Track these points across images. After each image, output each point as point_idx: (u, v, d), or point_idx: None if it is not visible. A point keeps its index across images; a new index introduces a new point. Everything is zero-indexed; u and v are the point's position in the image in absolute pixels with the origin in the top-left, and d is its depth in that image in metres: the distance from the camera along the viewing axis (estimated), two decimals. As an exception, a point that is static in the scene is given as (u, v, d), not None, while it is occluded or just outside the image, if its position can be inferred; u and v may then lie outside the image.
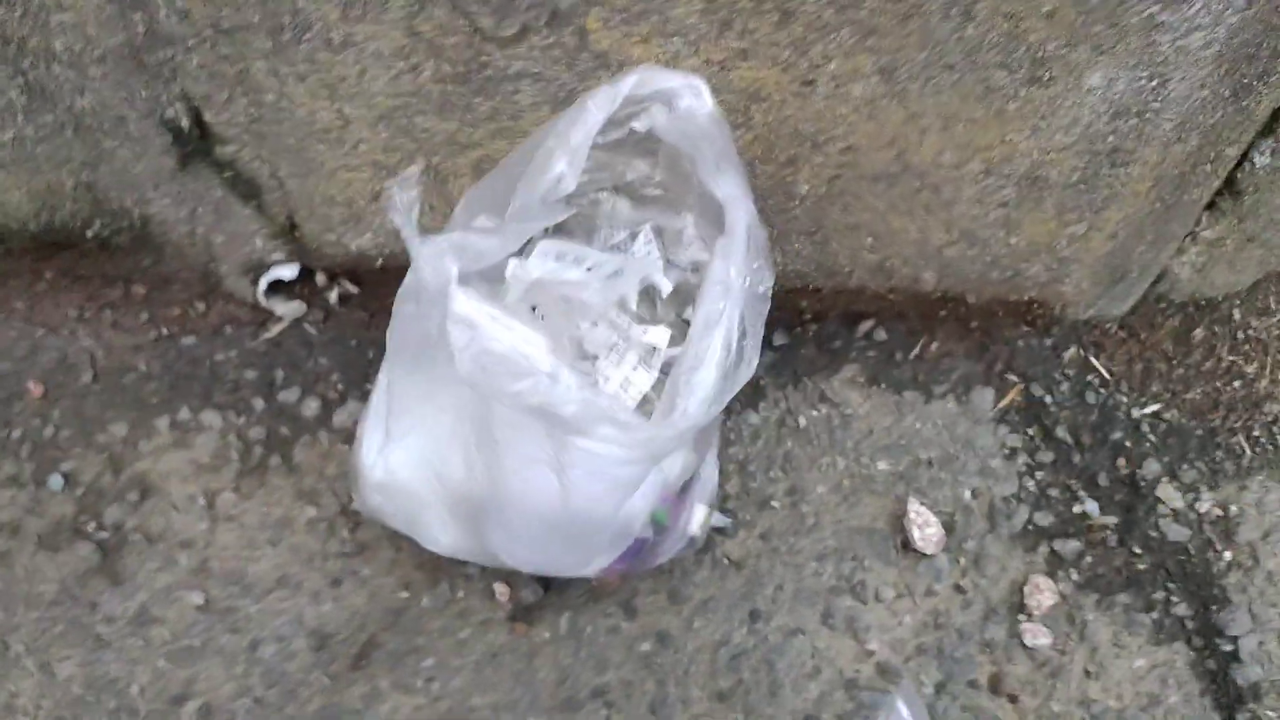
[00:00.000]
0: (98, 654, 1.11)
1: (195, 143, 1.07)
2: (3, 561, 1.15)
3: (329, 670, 1.12)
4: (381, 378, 0.96)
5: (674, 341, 1.01)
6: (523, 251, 0.89)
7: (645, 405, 1.04)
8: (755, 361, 0.77)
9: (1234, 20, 0.87)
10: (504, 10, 0.86)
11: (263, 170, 1.08)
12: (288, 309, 1.26)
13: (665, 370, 1.03)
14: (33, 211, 1.11)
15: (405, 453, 0.95)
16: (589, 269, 0.88)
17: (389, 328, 0.85)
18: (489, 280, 0.95)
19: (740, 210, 0.80)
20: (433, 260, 0.72)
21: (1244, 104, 0.99)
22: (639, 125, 0.93)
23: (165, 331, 1.27)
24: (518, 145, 0.85)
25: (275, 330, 1.27)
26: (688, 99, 0.90)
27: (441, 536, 1.04)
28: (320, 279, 1.26)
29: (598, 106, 0.84)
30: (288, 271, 1.21)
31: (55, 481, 1.19)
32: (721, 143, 0.85)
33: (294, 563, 1.17)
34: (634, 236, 0.99)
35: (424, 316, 0.73)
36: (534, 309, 0.88)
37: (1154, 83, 0.92)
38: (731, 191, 0.81)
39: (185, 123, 1.05)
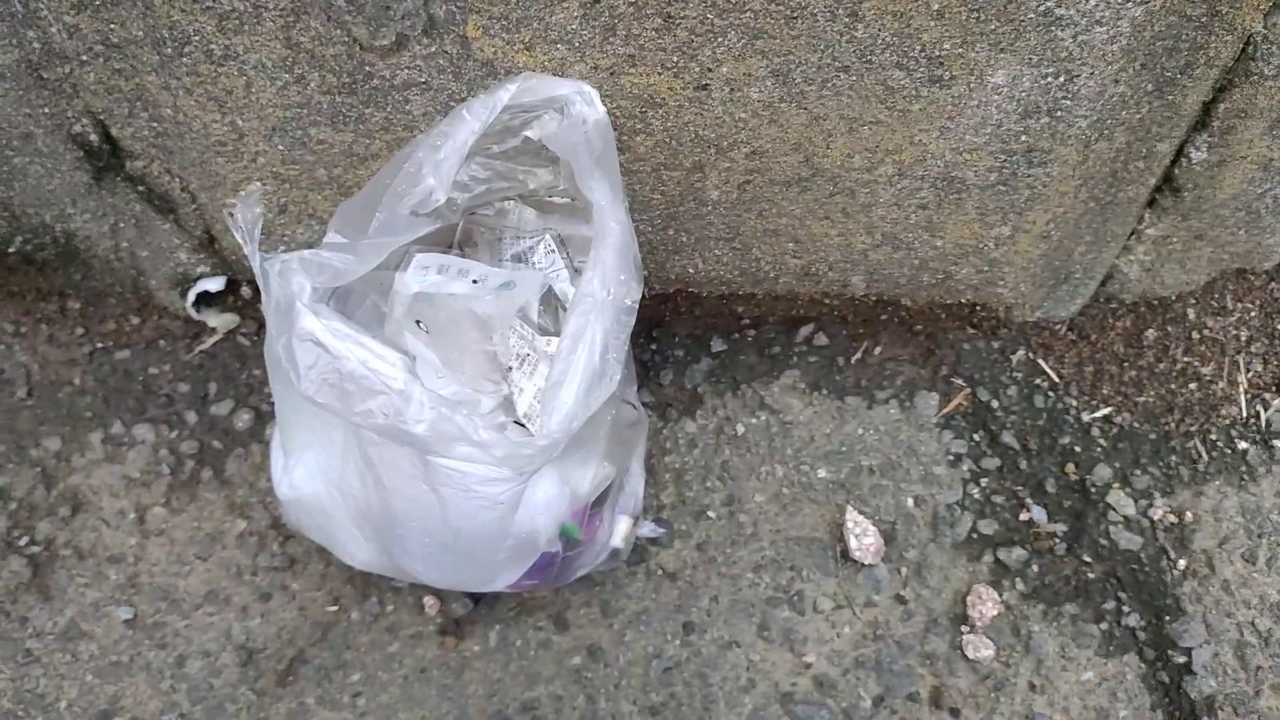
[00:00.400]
0: (27, 668, 1.12)
1: (107, 158, 1.07)
2: (-64, 577, 1.16)
3: (255, 686, 1.11)
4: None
5: (579, 353, 0.99)
6: (403, 265, 0.87)
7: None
8: (617, 376, 0.75)
9: (1138, 13, 0.83)
10: (378, 19, 0.84)
11: (174, 185, 1.07)
12: (221, 321, 1.26)
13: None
14: (-52, 231, 1.11)
15: (305, 469, 0.94)
16: (475, 281, 0.86)
17: (265, 344, 0.84)
18: (386, 295, 0.93)
19: (609, 219, 0.78)
20: (280, 279, 0.70)
21: (1169, 98, 0.94)
22: (532, 134, 0.91)
23: (100, 345, 1.27)
24: (394, 156, 0.83)
25: (209, 343, 1.27)
26: (579, 105, 0.88)
27: (357, 552, 1.02)
28: (247, 291, 1.25)
29: (473, 115, 0.82)
30: (214, 284, 1.20)
31: (-11, 497, 1.20)
32: (600, 148, 0.83)
33: (224, 577, 1.16)
34: (535, 245, 0.97)
35: (272, 331, 0.72)
36: (419, 323, 0.86)
37: (1061, 79, 0.88)
38: (603, 199, 0.79)
39: (94, 138, 1.04)
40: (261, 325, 1.28)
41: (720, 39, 0.86)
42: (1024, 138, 0.94)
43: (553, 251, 0.97)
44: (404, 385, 0.69)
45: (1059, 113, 0.91)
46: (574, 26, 0.86)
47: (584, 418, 0.73)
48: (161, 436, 1.23)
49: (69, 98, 1.00)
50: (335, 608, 1.15)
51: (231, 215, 0.68)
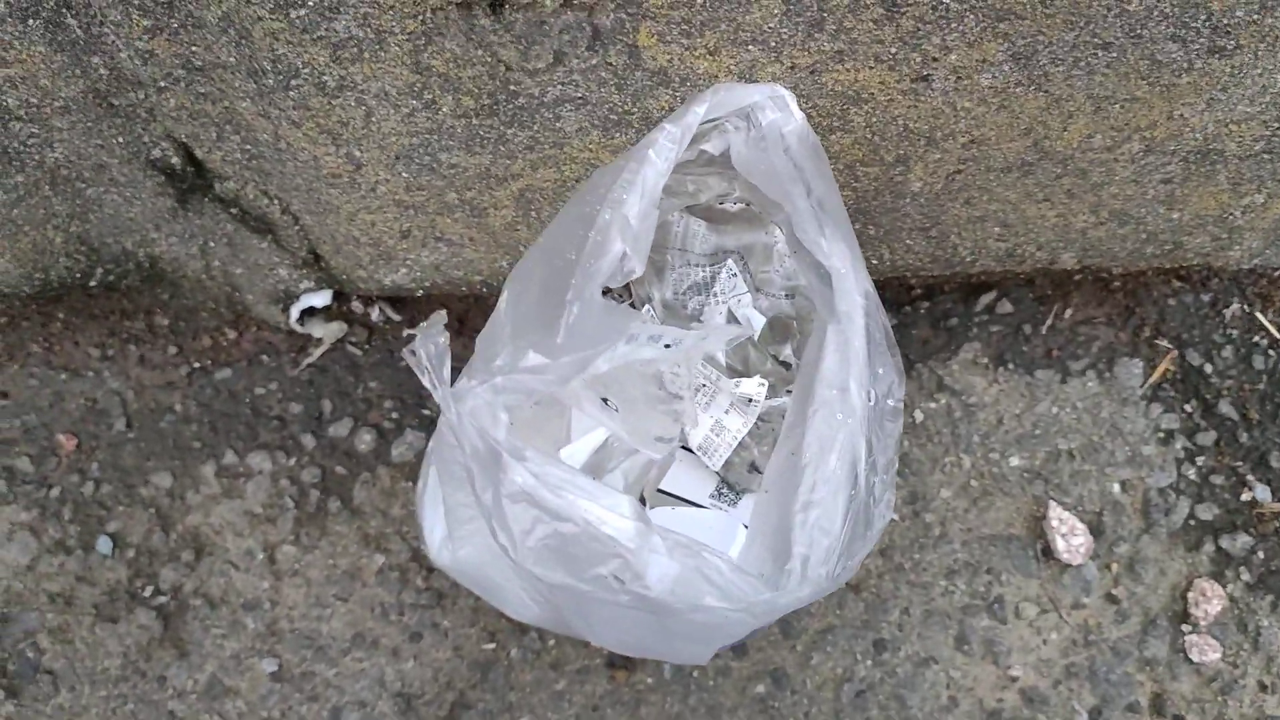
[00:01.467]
0: (173, 732, 1.04)
1: (191, 180, 0.92)
2: (61, 637, 1.07)
3: (418, 735, 1.03)
4: (430, 467, 0.82)
5: (773, 391, 0.85)
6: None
7: (742, 452, 0.89)
8: (892, 502, 0.61)
9: None
10: (531, 37, 0.68)
11: (273, 207, 0.92)
12: (327, 330, 1.12)
13: (764, 418, 0.87)
14: (23, 275, 0.97)
15: (472, 549, 0.83)
16: (667, 345, 0.72)
17: (434, 434, 0.71)
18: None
19: (853, 290, 0.63)
20: (476, 420, 0.57)
21: None
22: (711, 148, 0.75)
23: (197, 365, 1.15)
24: (565, 198, 0.68)
25: (316, 354, 1.14)
26: (770, 112, 0.71)
27: (524, 612, 0.92)
28: (358, 306, 1.12)
29: (660, 155, 0.67)
30: (319, 299, 1.06)
31: (104, 544, 1.10)
32: (817, 184, 0.67)
33: (368, 618, 1.07)
34: (716, 273, 0.82)
35: (474, 481, 0.59)
36: (606, 401, 0.73)
37: (1379, 39, 0.70)
38: (841, 262, 0.63)
39: (176, 161, 0.89)
40: (372, 331, 1.14)
41: (954, 24, 0.69)
42: (1309, 102, 0.77)
43: (734, 275, 0.82)
44: (637, 539, 0.57)
45: (1362, 74, 0.74)
46: (772, 25, 0.69)
47: (860, 557, 0.60)
48: (279, 465, 1.12)
49: (145, 123, 0.85)
50: (492, 645, 1.06)
51: (413, 353, 0.54)
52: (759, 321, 0.85)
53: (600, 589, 0.57)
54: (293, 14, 0.67)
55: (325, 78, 0.72)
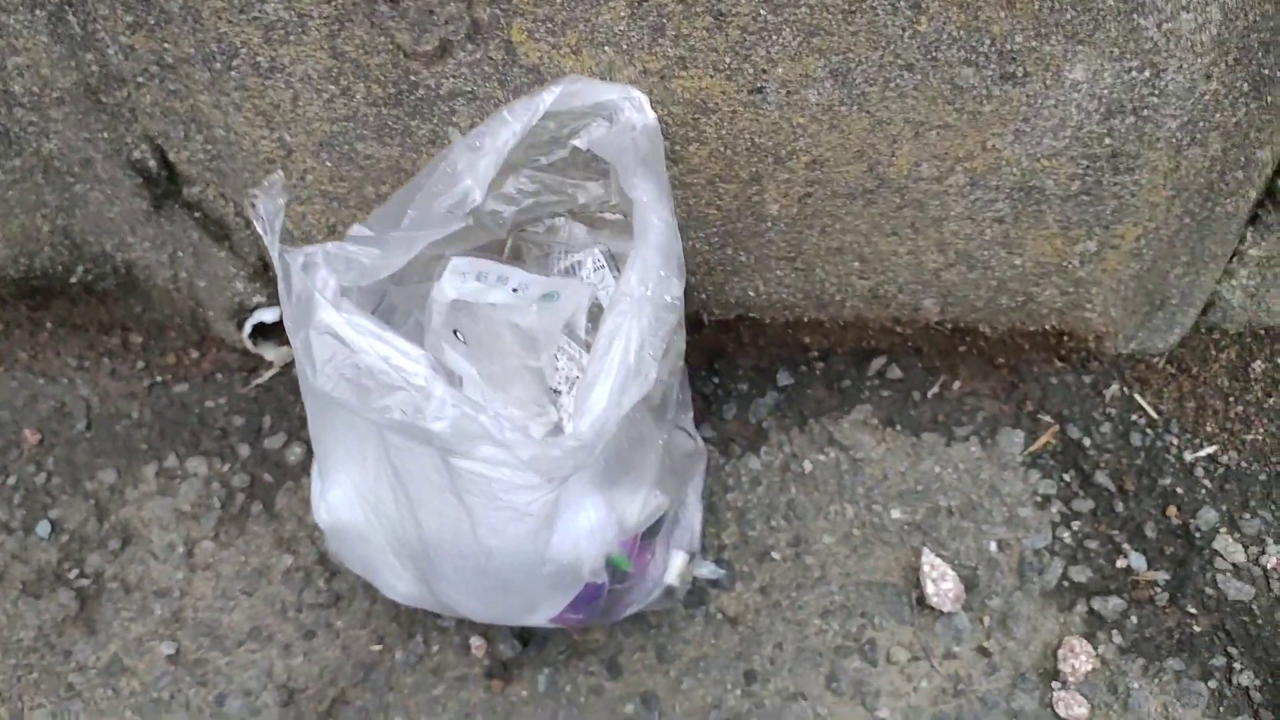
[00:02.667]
0: (68, 703, 1.09)
1: (165, 184, 1.06)
2: (-13, 608, 1.15)
3: (295, 728, 1.07)
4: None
5: (630, 373, 0.93)
6: (439, 272, 0.83)
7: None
8: (653, 374, 0.69)
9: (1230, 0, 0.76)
10: (421, 24, 0.82)
11: (228, 210, 1.06)
12: (278, 355, 1.24)
13: (625, 405, 0.95)
14: (10, 257, 1.12)
15: (340, 490, 0.90)
16: (515, 290, 0.82)
17: (296, 362, 0.81)
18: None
19: (651, 215, 0.73)
20: (302, 273, 0.67)
21: (1267, 99, 0.87)
22: (580, 143, 0.88)
23: (159, 379, 1.27)
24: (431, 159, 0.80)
25: (266, 376, 1.25)
26: (628, 111, 0.84)
27: (398, 584, 0.98)
28: (301, 321, 1.24)
29: (514, 117, 0.79)
30: (270, 315, 1.19)
31: (43, 528, 1.18)
32: (646, 149, 0.79)
33: (268, 613, 1.13)
34: (583, 260, 0.93)
35: (290, 321, 0.68)
36: (456, 333, 0.82)
37: (1146, 74, 0.82)
38: (645, 195, 0.74)
39: (152, 164, 1.04)
40: (318, 358, 1.26)
41: (774, 37, 0.82)
42: (1108, 141, 0.88)
43: (602, 267, 0.93)
44: (425, 382, 0.65)
45: (1145, 112, 0.85)
46: (621, 27, 0.82)
47: (616, 419, 0.67)
48: (214, 469, 1.21)
49: (128, 123, 1.00)
50: (379, 647, 1.10)
51: (254, 205, 0.65)
52: (625, 314, 0.94)
53: (385, 418, 0.65)
54: (232, -7, 0.83)
55: (259, 58, 0.87)
